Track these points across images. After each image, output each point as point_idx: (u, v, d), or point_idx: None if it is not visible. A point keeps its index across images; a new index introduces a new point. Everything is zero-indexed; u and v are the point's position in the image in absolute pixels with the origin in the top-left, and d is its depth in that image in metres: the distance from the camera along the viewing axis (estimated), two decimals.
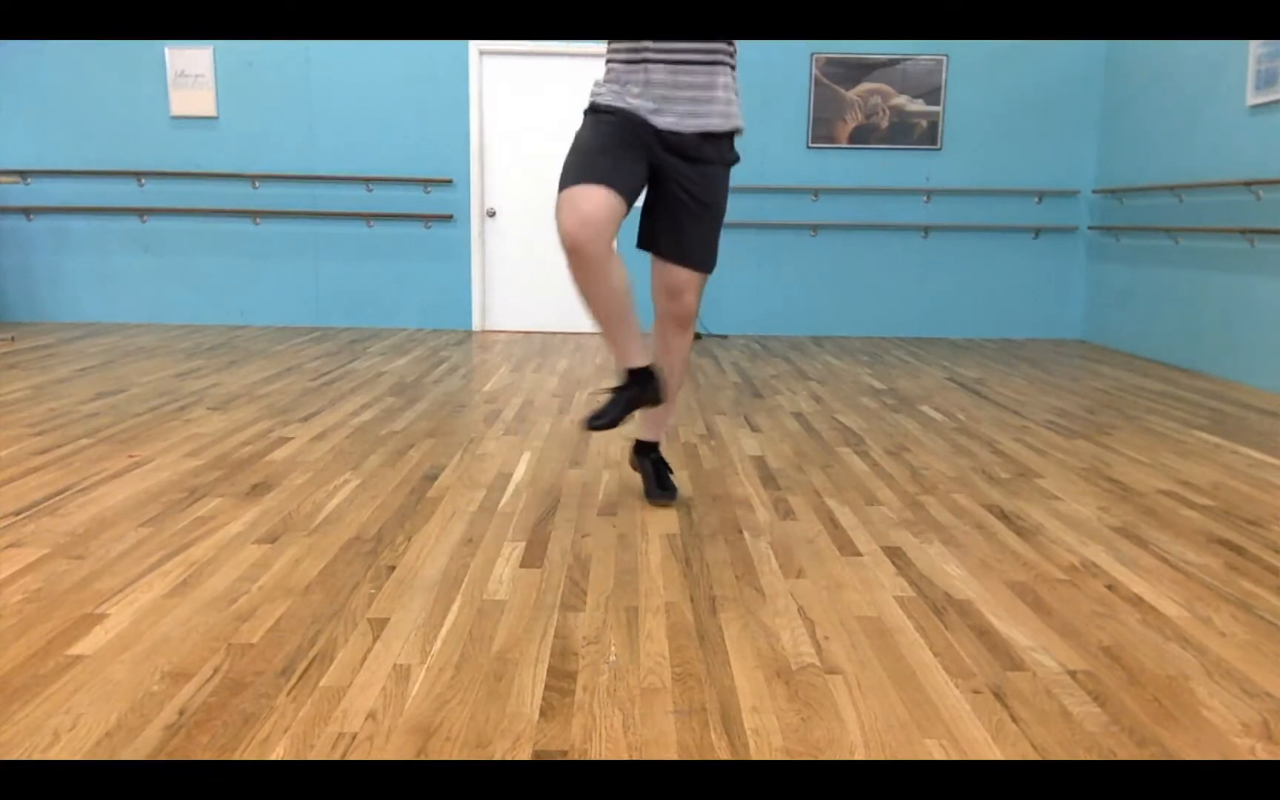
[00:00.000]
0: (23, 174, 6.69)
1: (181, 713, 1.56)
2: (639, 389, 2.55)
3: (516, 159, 6.83)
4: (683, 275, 2.53)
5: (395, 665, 1.74)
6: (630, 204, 2.39)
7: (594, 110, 2.44)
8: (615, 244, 2.39)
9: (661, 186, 2.49)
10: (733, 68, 2.47)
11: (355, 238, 6.83)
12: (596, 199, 2.27)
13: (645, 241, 2.56)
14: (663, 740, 1.51)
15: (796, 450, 3.40)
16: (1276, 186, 4.85)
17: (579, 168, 2.32)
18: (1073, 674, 1.74)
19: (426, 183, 6.76)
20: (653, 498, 2.72)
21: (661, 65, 2.36)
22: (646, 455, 2.80)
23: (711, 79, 2.40)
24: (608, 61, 2.46)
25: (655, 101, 2.39)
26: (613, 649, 1.82)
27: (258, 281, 6.87)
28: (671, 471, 2.85)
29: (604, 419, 2.51)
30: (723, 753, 1.47)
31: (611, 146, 2.36)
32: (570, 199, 2.28)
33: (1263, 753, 1.50)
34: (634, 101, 2.39)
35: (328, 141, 6.72)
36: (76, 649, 1.77)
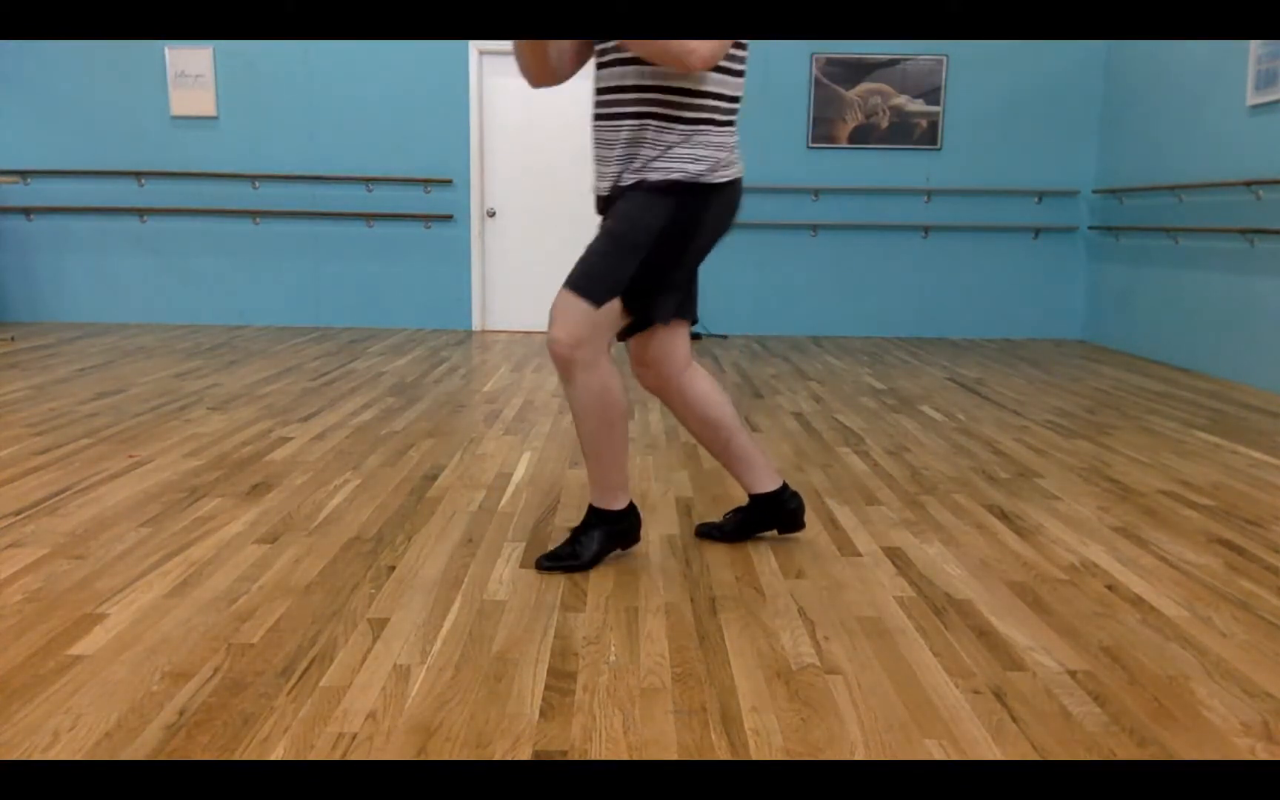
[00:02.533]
0: (23, 174, 6.69)
1: (181, 713, 1.56)
2: (760, 515, 2.37)
3: (516, 159, 6.83)
4: (558, 297, 2.12)
5: (395, 665, 1.74)
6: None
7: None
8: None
9: None
10: (673, 120, 2.07)
11: (355, 238, 6.83)
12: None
13: None
14: (663, 740, 1.51)
15: (796, 450, 3.40)
16: (1276, 186, 4.85)
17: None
18: (1073, 674, 1.74)
19: (426, 183, 6.76)
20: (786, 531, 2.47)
21: (594, 123, 2.20)
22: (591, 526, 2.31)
23: (638, 134, 2.09)
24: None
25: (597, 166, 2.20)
26: (613, 649, 1.82)
27: (258, 281, 6.87)
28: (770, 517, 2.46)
29: (717, 530, 2.40)
30: (723, 753, 1.47)
31: None
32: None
33: (1263, 753, 1.50)
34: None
35: (328, 141, 6.72)
36: (76, 649, 1.77)
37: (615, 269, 2.07)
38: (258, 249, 6.84)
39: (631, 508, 2.27)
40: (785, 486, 2.38)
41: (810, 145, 6.73)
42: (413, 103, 6.68)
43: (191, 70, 6.62)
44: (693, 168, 2.09)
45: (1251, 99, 5.03)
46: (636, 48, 1.99)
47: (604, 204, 2.21)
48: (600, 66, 2.18)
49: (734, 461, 2.34)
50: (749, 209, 6.80)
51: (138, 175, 6.71)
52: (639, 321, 2.20)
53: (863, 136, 6.72)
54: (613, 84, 2.12)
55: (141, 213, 6.76)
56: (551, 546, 2.35)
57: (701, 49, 1.94)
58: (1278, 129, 4.84)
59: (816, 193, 6.79)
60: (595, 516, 2.24)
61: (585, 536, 2.24)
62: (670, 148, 2.08)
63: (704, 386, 2.29)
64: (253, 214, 6.77)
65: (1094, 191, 6.70)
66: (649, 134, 2.08)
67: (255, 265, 6.85)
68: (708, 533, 2.44)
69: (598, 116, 2.17)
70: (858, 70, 6.64)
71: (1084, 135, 6.74)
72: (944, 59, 6.67)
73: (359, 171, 6.75)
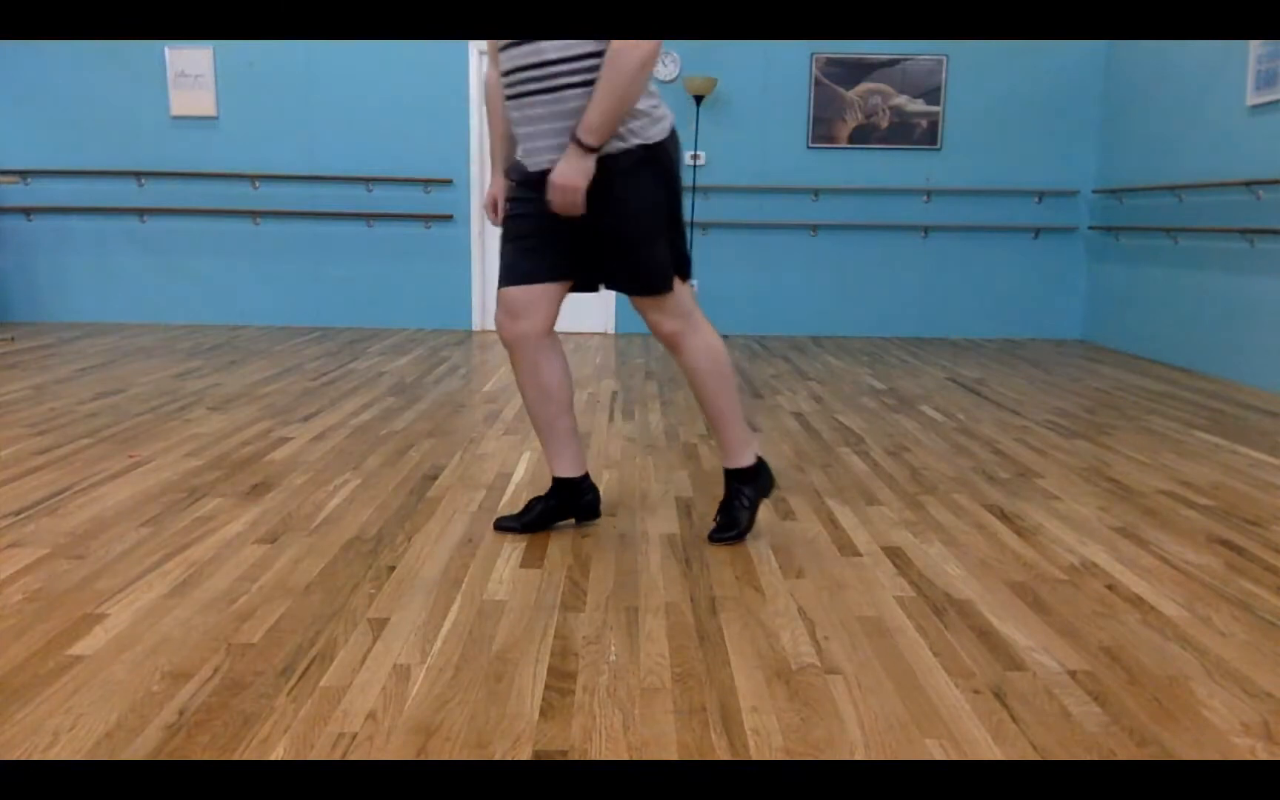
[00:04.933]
0: (23, 174, 6.69)
1: (181, 713, 1.56)
2: (560, 501, 2.48)
3: None
4: (639, 302, 2.33)
5: (395, 665, 1.74)
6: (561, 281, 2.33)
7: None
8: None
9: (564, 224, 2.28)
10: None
11: (355, 238, 6.83)
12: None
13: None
14: (663, 740, 1.51)
15: (796, 450, 3.40)
16: (1276, 186, 4.85)
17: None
18: (1073, 674, 1.74)
19: (426, 183, 6.76)
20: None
21: (512, 102, 2.22)
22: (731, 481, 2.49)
23: (556, 109, 2.15)
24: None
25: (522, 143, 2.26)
26: (613, 649, 1.82)
27: (258, 281, 6.87)
28: (747, 498, 2.49)
29: (516, 521, 2.49)
30: (723, 753, 1.47)
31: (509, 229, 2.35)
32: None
33: (1263, 753, 1.50)
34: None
35: (328, 141, 6.72)
36: (76, 649, 1.77)
37: (659, 257, 2.24)
38: (258, 249, 6.84)
39: (761, 460, 2.46)
40: (586, 476, 2.50)
41: (810, 145, 6.73)
42: (413, 103, 6.68)
43: (191, 70, 6.62)
44: (653, 130, 2.19)
45: (1251, 99, 5.03)
46: (605, 90, 2.07)
47: (539, 180, 2.23)
48: (515, 44, 2.17)
49: (554, 438, 2.43)
50: (749, 209, 6.80)
51: (137, 175, 6.71)
52: (538, 274, 2.29)
53: (863, 136, 6.72)
54: (550, 57, 2.13)
55: (141, 213, 6.76)
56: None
57: (646, 48, 2.07)
58: (1278, 129, 4.84)
59: (816, 193, 6.79)
60: (739, 477, 2.43)
61: (736, 502, 2.43)
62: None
63: (559, 359, 2.39)
64: (253, 214, 6.77)
65: (1094, 191, 6.70)
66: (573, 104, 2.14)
67: (255, 265, 6.85)
68: (506, 526, 2.48)
69: (526, 93, 2.17)
70: (858, 70, 6.64)
71: (1084, 135, 6.74)
72: (944, 59, 6.67)
73: (359, 172, 6.74)
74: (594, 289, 2.38)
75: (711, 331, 2.36)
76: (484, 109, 6.76)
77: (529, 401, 2.41)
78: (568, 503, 2.49)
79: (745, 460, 2.42)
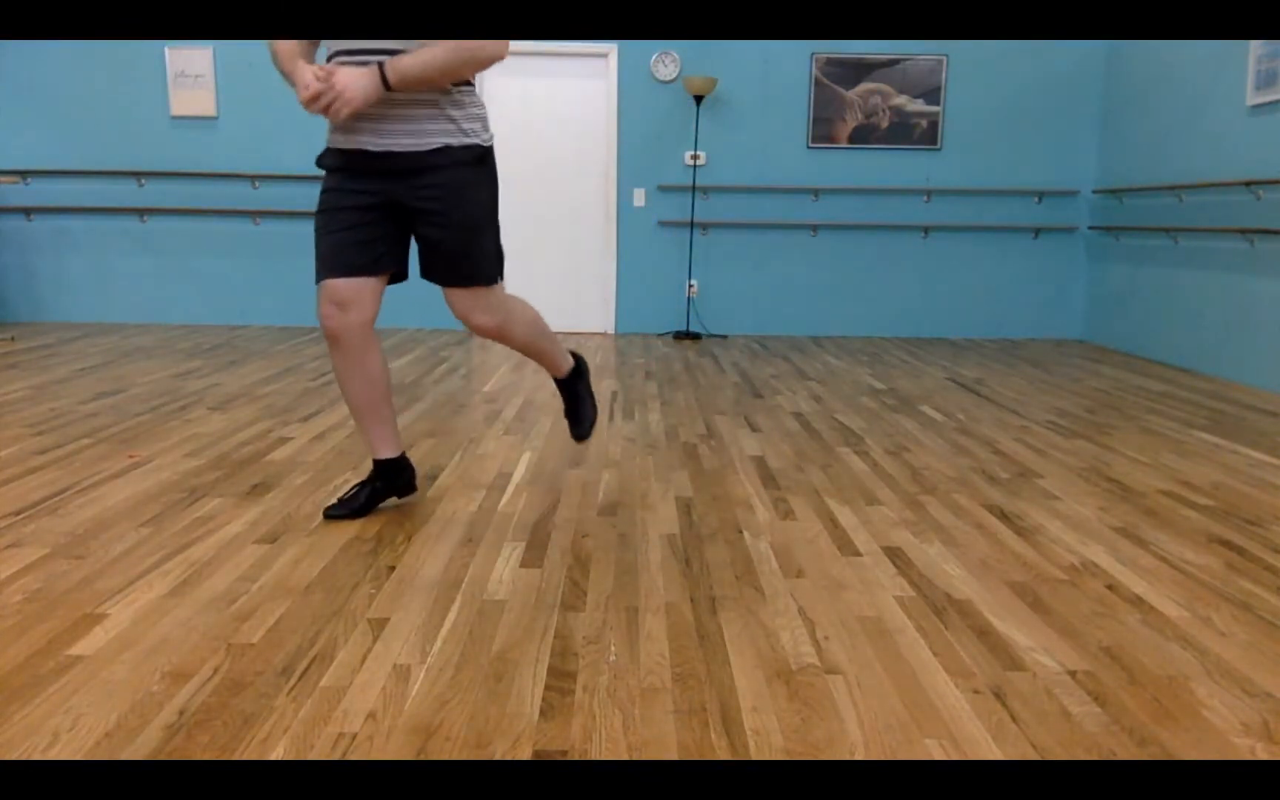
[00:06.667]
0: (23, 174, 6.69)
1: (181, 713, 1.56)
2: (385, 482, 2.58)
3: (515, 159, 6.82)
4: (456, 298, 2.40)
5: (395, 665, 1.74)
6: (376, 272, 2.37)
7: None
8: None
9: (409, 218, 2.36)
10: (459, 84, 2.27)
11: None
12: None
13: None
14: (663, 740, 1.51)
15: (796, 450, 3.40)
16: (1276, 186, 4.85)
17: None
18: (1073, 674, 1.74)
19: None
20: (574, 434, 2.80)
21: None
22: (563, 389, 2.82)
23: (428, 98, 2.25)
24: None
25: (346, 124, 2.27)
26: (613, 649, 1.82)
27: (258, 281, 6.87)
28: (581, 400, 2.83)
29: (346, 508, 2.53)
30: (723, 753, 1.47)
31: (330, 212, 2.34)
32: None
33: (1263, 753, 1.50)
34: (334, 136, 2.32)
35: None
36: (76, 649, 1.77)
37: (493, 249, 2.39)
38: (258, 249, 6.84)
39: (578, 356, 2.83)
40: (404, 455, 2.61)
41: (810, 145, 6.73)
42: None
43: (191, 70, 6.62)
44: (485, 135, 2.34)
45: (1251, 99, 5.03)
46: (443, 52, 2.16)
47: (363, 159, 2.27)
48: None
49: (377, 423, 2.52)
50: (749, 209, 6.80)
51: (138, 175, 6.71)
52: (367, 267, 2.33)
53: (863, 136, 6.72)
54: (381, 47, 2.20)
55: (141, 213, 6.76)
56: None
57: (498, 47, 2.20)
58: (1278, 129, 4.84)
59: (816, 193, 6.79)
60: (575, 377, 2.79)
61: (578, 402, 2.78)
62: (465, 110, 2.31)
63: (379, 346, 2.46)
64: (253, 214, 6.77)
65: (1094, 191, 6.70)
66: (442, 99, 2.26)
67: (255, 265, 6.85)
68: (336, 513, 2.52)
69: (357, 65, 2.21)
70: (858, 70, 6.64)
71: (1084, 135, 6.74)
72: (944, 59, 6.67)
73: None
74: (404, 278, 2.47)
75: (522, 303, 2.54)
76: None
77: (354, 391, 2.46)
78: (390, 482, 2.59)
79: (568, 366, 2.75)
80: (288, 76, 2.24)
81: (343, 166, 2.31)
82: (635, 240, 6.83)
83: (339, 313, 2.34)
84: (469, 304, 2.40)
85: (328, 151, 2.34)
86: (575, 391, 2.81)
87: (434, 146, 2.26)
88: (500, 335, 2.49)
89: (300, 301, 6.88)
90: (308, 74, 2.15)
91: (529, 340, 2.58)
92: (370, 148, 2.26)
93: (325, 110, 2.14)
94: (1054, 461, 3.29)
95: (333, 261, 2.31)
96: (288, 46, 2.26)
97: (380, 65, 2.15)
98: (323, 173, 2.39)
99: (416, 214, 2.32)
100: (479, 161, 2.32)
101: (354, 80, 2.13)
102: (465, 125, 2.29)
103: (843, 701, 1.63)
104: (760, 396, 4.45)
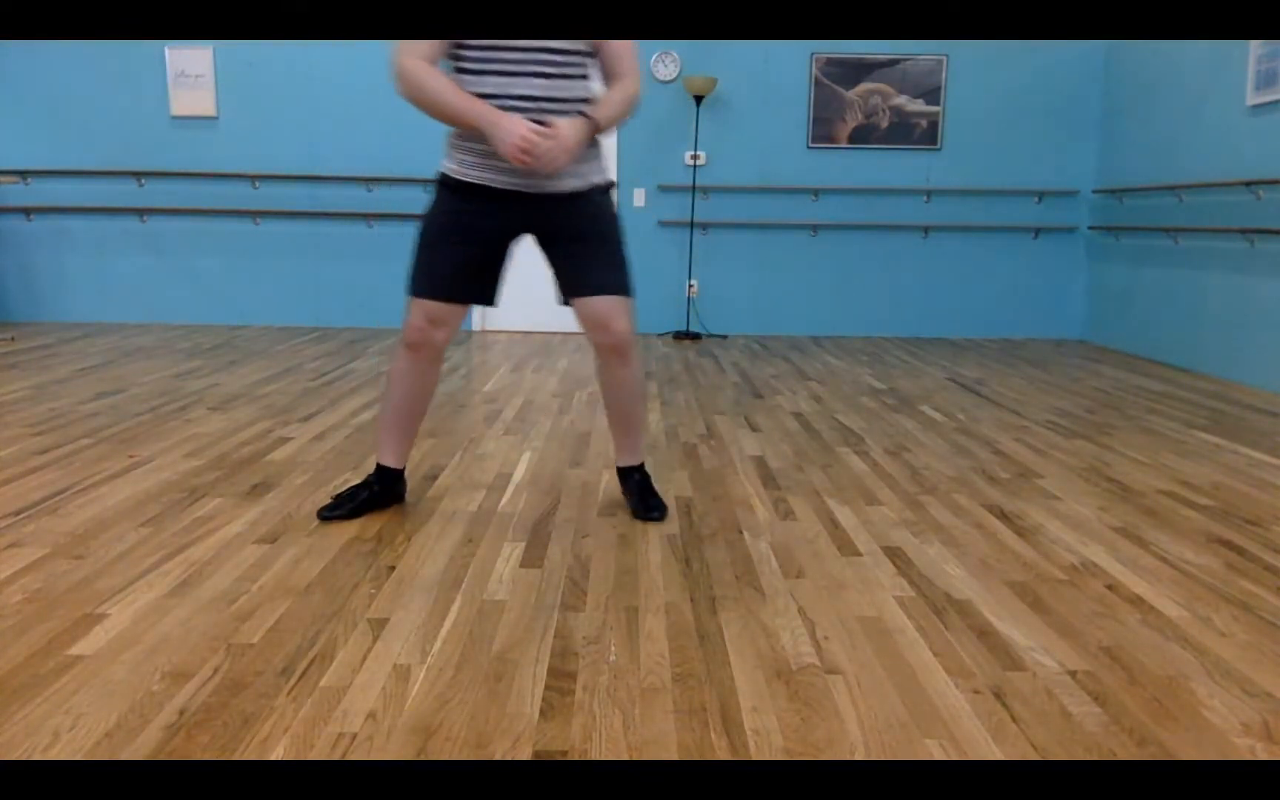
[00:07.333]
0: (23, 174, 6.69)
1: (181, 713, 1.56)
2: (382, 488, 2.60)
3: None
4: (603, 304, 2.45)
5: (395, 665, 1.74)
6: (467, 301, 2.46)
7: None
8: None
9: (550, 242, 2.48)
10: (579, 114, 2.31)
11: (355, 238, 6.83)
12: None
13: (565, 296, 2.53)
14: (663, 740, 1.51)
15: (796, 450, 3.40)
16: (1276, 186, 4.85)
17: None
18: (1073, 674, 1.74)
19: (426, 183, 6.76)
20: (640, 518, 2.61)
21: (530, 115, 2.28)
22: (630, 478, 2.70)
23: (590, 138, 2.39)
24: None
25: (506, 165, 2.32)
26: (613, 649, 1.82)
27: (258, 281, 6.87)
28: (653, 493, 2.70)
29: (340, 509, 2.54)
30: (723, 753, 1.48)
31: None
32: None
33: (1263, 753, 1.50)
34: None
35: (328, 141, 6.72)
36: (76, 649, 1.77)
37: (628, 261, 2.52)
38: (258, 249, 6.84)
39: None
40: (404, 470, 2.66)
41: (810, 145, 6.73)
42: None
43: (191, 70, 6.62)
44: (608, 172, 2.51)
45: (1251, 99, 5.03)
46: (622, 100, 2.37)
47: (521, 196, 2.35)
48: (536, 74, 2.27)
49: (402, 432, 2.58)
50: (749, 209, 6.80)
51: (138, 175, 6.71)
52: (469, 297, 2.44)
53: (863, 136, 6.72)
54: (568, 94, 2.31)
55: (141, 213, 6.76)
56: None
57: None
58: (1278, 129, 4.84)
59: (816, 193, 6.79)
60: (645, 471, 2.70)
61: (652, 488, 2.67)
62: (600, 148, 2.49)
63: (440, 366, 2.55)
64: (253, 214, 6.77)
65: (1094, 191, 6.70)
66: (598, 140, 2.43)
67: (255, 265, 6.85)
68: (332, 515, 2.53)
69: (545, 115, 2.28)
70: (858, 70, 6.64)
71: (1084, 135, 6.74)
72: (944, 59, 6.67)
73: (359, 171, 6.74)
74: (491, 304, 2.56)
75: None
76: None
77: (402, 397, 2.53)
78: (388, 491, 2.62)
79: (642, 456, 2.73)
80: (458, 114, 2.20)
81: (488, 196, 2.36)
82: (635, 240, 6.83)
83: (430, 328, 2.43)
84: (616, 309, 2.44)
85: (465, 180, 2.35)
86: (645, 474, 2.72)
87: (594, 184, 2.43)
88: (628, 348, 2.50)
89: (300, 301, 6.88)
90: (522, 127, 2.14)
91: (638, 383, 2.59)
92: (540, 190, 2.35)
93: (535, 158, 2.17)
94: (1054, 461, 3.29)
95: (446, 285, 2.39)
96: (447, 82, 2.22)
97: (590, 117, 2.27)
98: (442, 185, 2.39)
99: (567, 238, 2.42)
100: (610, 189, 2.52)
101: (575, 132, 2.22)
102: (603, 162, 2.49)
103: (843, 701, 1.63)
104: (760, 396, 4.45)
